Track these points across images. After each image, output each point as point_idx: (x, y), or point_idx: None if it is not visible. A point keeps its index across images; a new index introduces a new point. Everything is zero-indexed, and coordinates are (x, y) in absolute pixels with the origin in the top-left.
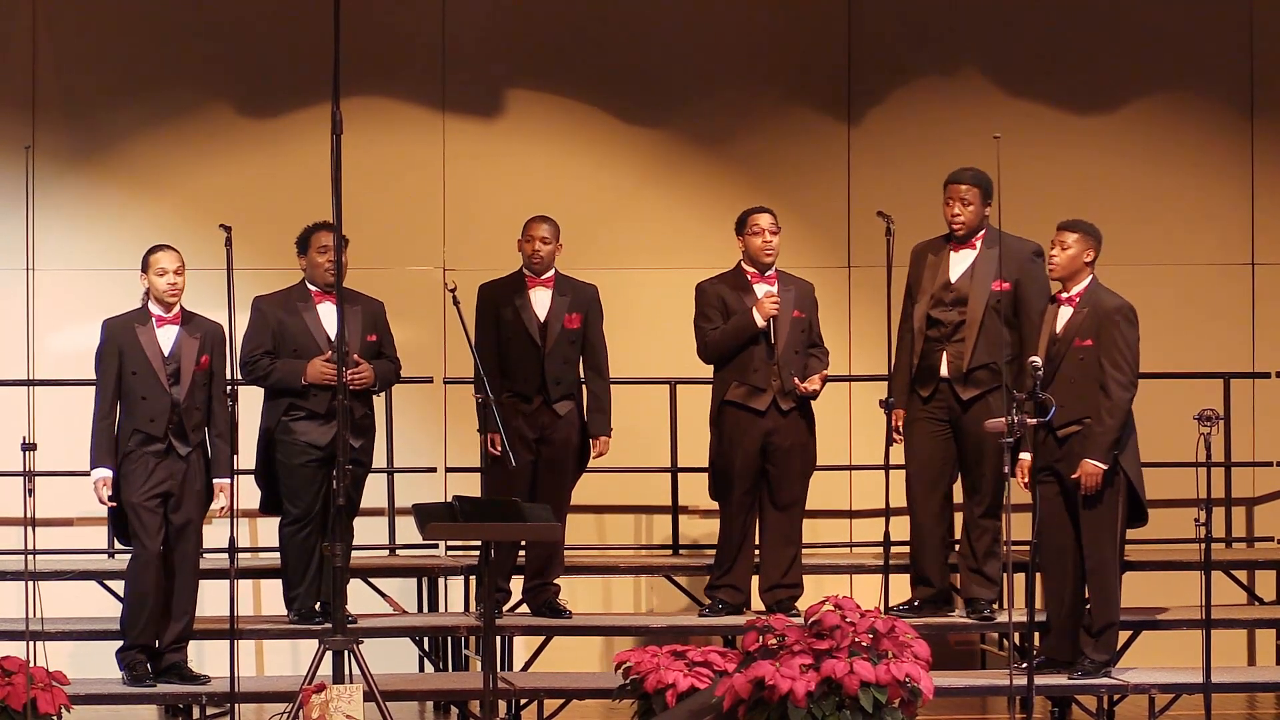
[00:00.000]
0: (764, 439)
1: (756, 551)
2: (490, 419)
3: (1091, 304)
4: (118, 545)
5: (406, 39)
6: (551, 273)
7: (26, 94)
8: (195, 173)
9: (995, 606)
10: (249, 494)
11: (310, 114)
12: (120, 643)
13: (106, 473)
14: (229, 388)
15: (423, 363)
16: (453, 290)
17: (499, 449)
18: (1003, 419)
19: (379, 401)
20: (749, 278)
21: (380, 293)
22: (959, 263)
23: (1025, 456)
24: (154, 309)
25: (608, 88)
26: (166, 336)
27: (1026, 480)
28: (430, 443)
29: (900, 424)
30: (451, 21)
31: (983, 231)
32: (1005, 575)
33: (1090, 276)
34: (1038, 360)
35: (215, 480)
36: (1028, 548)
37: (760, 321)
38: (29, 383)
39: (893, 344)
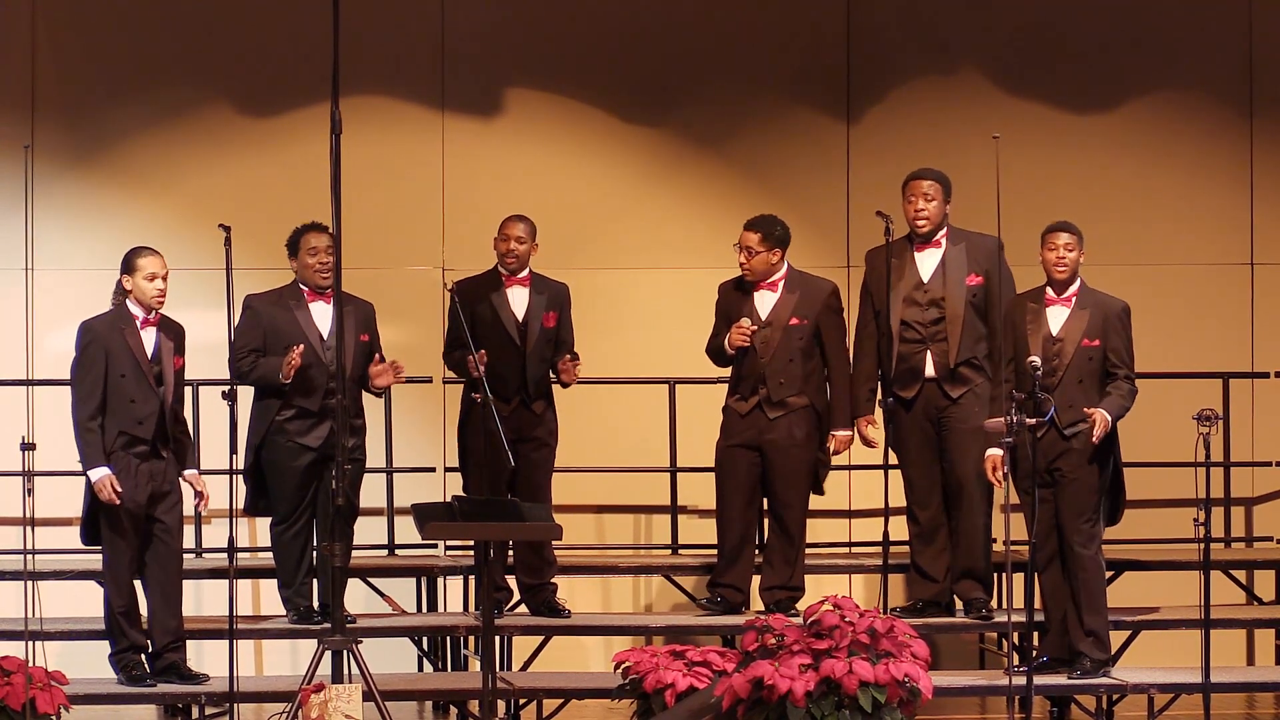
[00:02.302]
0: (758, 440)
1: (758, 553)
2: (489, 418)
3: (1093, 305)
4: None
5: (406, 39)
6: (526, 272)
7: (26, 94)
8: (195, 173)
9: (992, 605)
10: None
11: (310, 114)
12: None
13: (107, 471)
14: (228, 388)
15: (422, 363)
16: (452, 290)
17: (479, 372)
18: (1002, 419)
19: (378, 401)
20: (752, 285)
21: (379, 293)
22: (926, 261)
23: (995, 452)
24: (135, 311)
25: (608, 88)
26: (149, 339)
27: (997, 476)
28: (429, 443)
29: (868, 430)
30: (451, 21)
31: (944, 230)
32: (1005, 575)
33: (1080, 277)
34: (1037, 360)
35: (186, 472)
36: (1026, 548)
37: (729, 350)
38: (28, 383)
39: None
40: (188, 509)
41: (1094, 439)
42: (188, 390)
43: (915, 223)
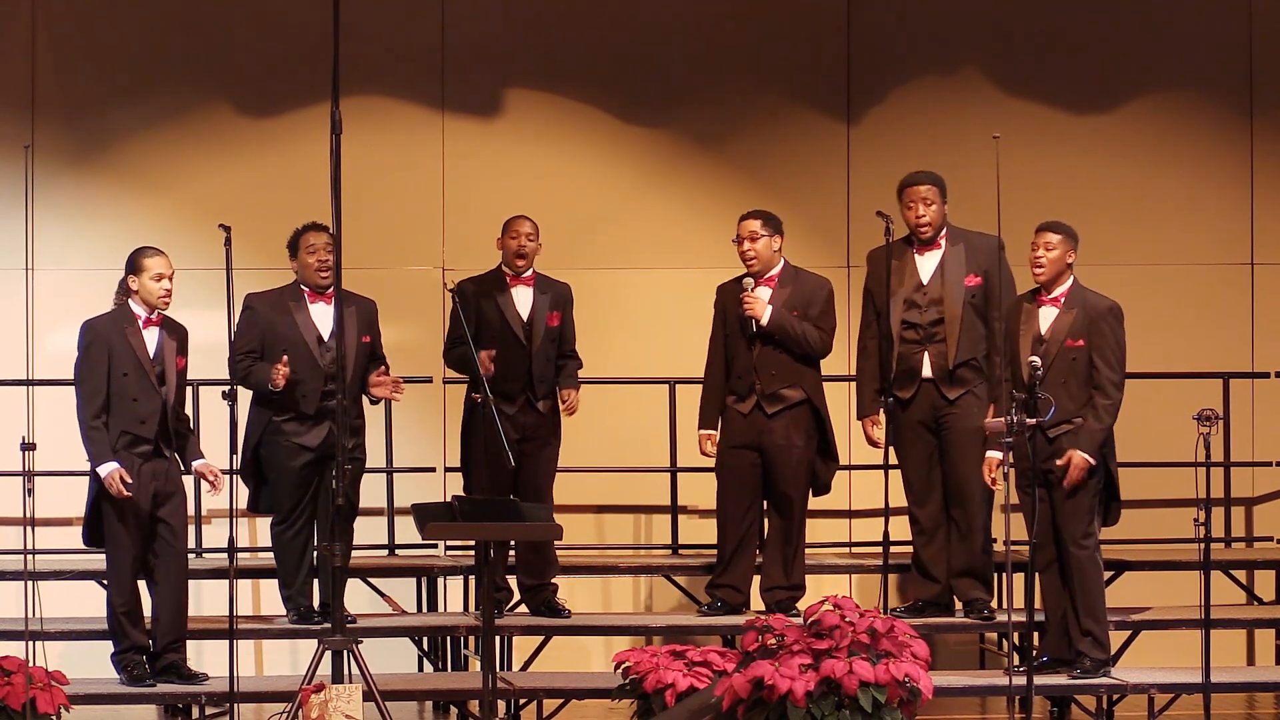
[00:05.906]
0: (757, 439)
1: (759, 553)
2: (489, 418)
3: (1080, 305)
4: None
5: (406, 39)
6: (530, 271)
7: (26, 94)
8: (195, 173)
9: (993, 606)
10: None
11: (310, 114)
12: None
13: (116, 465)
14: (228, 388)
15: (421, 363)
16: (452, 290)
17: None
18: (1002, 419)
19: (378, 401)
20: (744, 282)
21: (379, 292)
22: (926, 263)
23: (993, 455)
24: (138, 310)
25: (608, 88)
26: (151, 338)
27: (994, 477)
28: (429, 443)
29: (873, 430)
30: (451, 21)
31: (945, 230)
32: (1005, 575)
33: (1072, 277)
34: (1037, 360)
35: (195, 464)
36: (1026, 548)
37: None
38: (28, 383)
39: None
40: (192, 509)
41: (1068, 483)
42: (188, 390)
43: (918, 229)
